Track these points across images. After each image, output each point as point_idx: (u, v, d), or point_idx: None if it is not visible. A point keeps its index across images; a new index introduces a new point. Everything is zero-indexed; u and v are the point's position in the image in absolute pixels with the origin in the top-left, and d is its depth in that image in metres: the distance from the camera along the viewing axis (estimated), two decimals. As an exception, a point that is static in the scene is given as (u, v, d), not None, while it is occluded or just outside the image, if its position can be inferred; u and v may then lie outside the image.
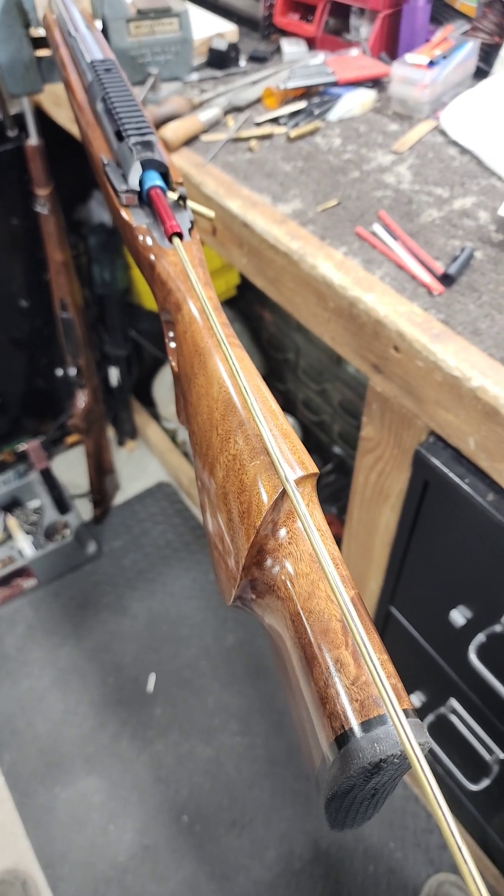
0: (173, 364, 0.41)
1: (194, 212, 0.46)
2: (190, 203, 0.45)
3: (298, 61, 0.91)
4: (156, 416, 1.75)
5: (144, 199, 0.44)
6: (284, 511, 0.28)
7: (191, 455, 1.77)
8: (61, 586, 1.51)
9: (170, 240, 0.41)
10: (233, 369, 0.33)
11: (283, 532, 0.28)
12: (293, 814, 1.19)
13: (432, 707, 0.89)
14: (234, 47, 0.90)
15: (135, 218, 0.43)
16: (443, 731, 0.88)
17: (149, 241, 0.42)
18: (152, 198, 0.43)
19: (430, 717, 0.89)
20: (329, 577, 0.24)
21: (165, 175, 0.45)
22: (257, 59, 0.93)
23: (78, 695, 1.34)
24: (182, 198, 0.44)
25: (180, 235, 0.41)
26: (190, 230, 0.43)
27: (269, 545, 0.28)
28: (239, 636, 1.41)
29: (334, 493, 1.40)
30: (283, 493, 0.28)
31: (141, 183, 0.44)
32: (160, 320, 0.44)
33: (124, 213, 0.43)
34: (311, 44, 0.94)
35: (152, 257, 0.41)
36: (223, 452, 0.31)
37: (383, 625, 0.89)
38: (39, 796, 1.23)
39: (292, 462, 0.28)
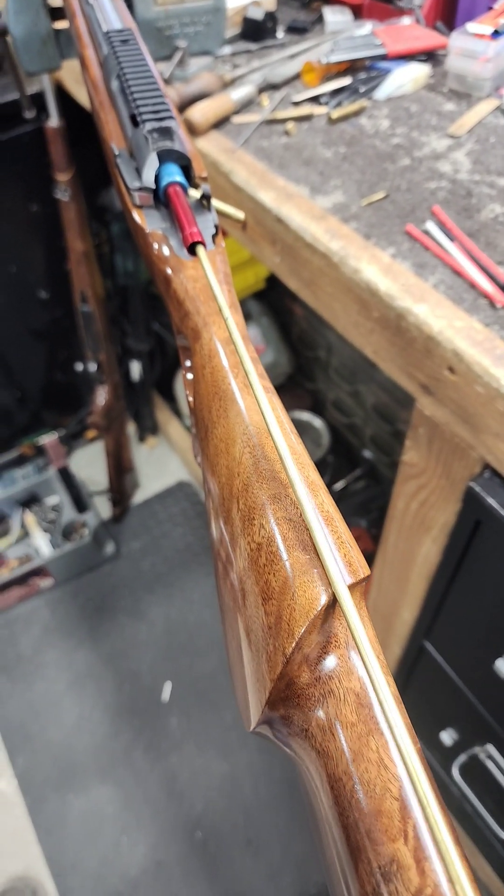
0: (190, 399, 0.34)
1: (220, 213, 0.38)
2: (215, 203, 0.37)
3: (342, 32, 0.82)
4: (177, 413, 1.69)
5: (161, 198, 0.37)
6: (326, 632, 0.21)
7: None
8: (78, 587, 1.46)
9: (190, 250, 0.34)
10: (266, 425, 0.26)
11: (324, 661, 0.21)
12: (310, 839, 1.14)
13: (465, 747, 0.82)
14: (271, 17, 0.81)
15: (149, 221, 0.36)
16: (476, 774, 0.81)
17: (165, 251, 0.34)
18: (170, 197, 0.35)
19: (463, 758, 0.82)
20: (394, 734, 0.17)
21: (187, 168, 0.37)
22: (296, 30, 0.84)
23: (93, 700, 1.30)
24: (206, 197, 0.36)
25: (203, 244, 0.34)
26: (214, 237, 0.36)
27: (302, 678, 0.20)
28: (260, 646, 1.35)
29: (363, 502, 1.32)
30: (328, 607, 0.21)
31: (158, 178, 0.36)
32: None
33: (136, 216, 0.36)
34: (357, 12, 0.85)
35: (168, 270, 0.34)
36: (245, 535, 0.24)
37: (415, 659, 0.82)
38: (52, 803, 1.19)
39: (339, 562, 0.21)
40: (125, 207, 0.39)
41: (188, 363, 0.36)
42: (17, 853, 1.15)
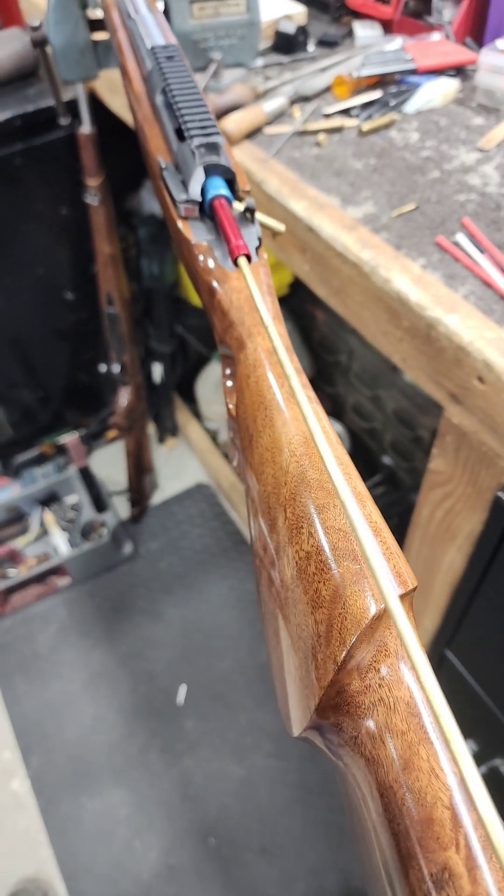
0: (230, 406, 0.35)
1: (262, 225, 0.39)
2: (258, 215, 0.38)
3: (372, 46, 0.83)
4: (197, 415, 1.70)
5: (206, 211, 0.38)
6: (376, 642, 0.22)
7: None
8: (96, 587, 1.48)
9: (235, 262, 0.35)
10: (311, 435, 0.26)
11: (374, 670, 0.21)
12: (325, 846, 1.14)
13: (485, 758, 0.82)
14: (302, 30, 0.83)
15: (195, 233, 0.37)
16: (496, 786, 0.81)
17: (210, 263, 0.35)
18: (216, 210, 0.36)
19: (483, 769, 0.82)
20: (450, 742, 0.18)
21: (231, 182, 0.38)
22: (327, 44, 0.85)
23: (108, 701, 1.31)
24: (249, 210, 0.37)
25: (248, 257, 0.35)
26: (257, 249, 0.37)
27: (352, 686, 0.21)
28: (275, 651, 1.36)
29: (383, 509, 1.30)
30: (378, 617, 0.21)
31: (203, 191, 0.37)
32: (207, 322, 0.37)
33: (182, 227, 0.37)
34: (388, 27, 0.86)
35: (214, 283, 0.35)
36: (292, 544, 0.24)
37: (436, 668, 0.82)
38: (65, 804, 1.20)
39: (389, 572, 0.22)
40: (170, 219, 0.40)
41: (228, 371, 0.37)
42: (29, 854, 1.16)
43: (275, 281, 1.51)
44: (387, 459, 1.43)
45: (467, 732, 0.84)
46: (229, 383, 0.36)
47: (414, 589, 0.22)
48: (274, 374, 0.31)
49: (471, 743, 0.84)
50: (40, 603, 1.45)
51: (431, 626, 0.79)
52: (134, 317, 1.37)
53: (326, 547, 0.23)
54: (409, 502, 1.42)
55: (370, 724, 0.20)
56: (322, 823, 1.16)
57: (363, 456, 1.51)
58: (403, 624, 0.20)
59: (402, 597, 0.21)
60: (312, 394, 0.29)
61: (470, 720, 0.82)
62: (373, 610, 0.21)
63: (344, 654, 0.21)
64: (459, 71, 0.78)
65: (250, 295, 0.35)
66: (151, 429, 1.72)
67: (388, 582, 0.21)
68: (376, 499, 1.39)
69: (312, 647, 0.22)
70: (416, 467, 1.34)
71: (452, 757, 0.19)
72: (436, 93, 0.74)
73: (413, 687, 0.21)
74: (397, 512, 1.32)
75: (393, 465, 1.42)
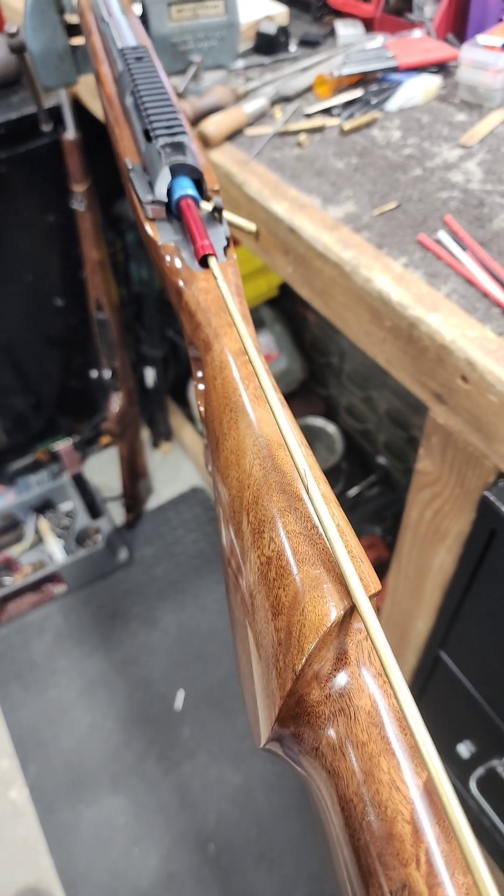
0: (201, 409, 0.35)
1: (232, 225, 0.39)
2: (227, 215, 0.38)
3: (354, 45, 0.82)
4: (191, 418, 1.69)
5: (174, 211, 0.37)
6: (337, 649, 0.21)
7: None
8: (91, 594, 1.47)
9: (202, 262, 0.34)
10: (282, 436, 0.26)
11: (335, 679, 0.21)
12: (325, 852, 1.13)
13: (483, 760, 0.81)
14: (283, 31, 0.82)
15: (161, 234, 0.36)
16: (494, 788, 0.80)
17: (177, 264, 0.35)
18: (182, 210, 0.36)
19: (480, 771, 0.81)
20: (427, 760, 0.17)
21: (199, 182, 0.38)
22: (309, 44, 0.85)
23: (105, 708, 1.30)
24: (217, 209, 0.37)
25: (214, 256, 0.34)
26: (226, 248, 0.36)
27: (312, 695, 0.20)
28: (272, 655, 1.35)
29: (378, 509, 1.32)
30: (338, 624, 0.21)
31: (170, 192, 0.37)
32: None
33: (149, 228, 0.37)
34: (369, 25, 0.86)
35: (180, 283, 0.34)
36: (254, 549, 0.24)
37: (430, 670, 0.81)
38: (63, 813, 1.19)
39: (354, 574, 0.21)
40: (138, 220, 0.39)
41: (199, 374, 0.36)
42: (29, 864, 1.15)
43: (264, 283, 1.50)
44: (381, 460, 1.42)
45: (464, 734, 0.83)
46: (201, 386, 0.36)
47: (377, 594, 0.22)
48: (241, 374, 0.30)
49: (467, 744, 0.84)
50: (36, 611, 1.45)
51: (425, 627, 0.78)
52: (124, 322, 1.37)
53: (288, 551, 0.22)
54: (404, 503, 1.41)
55: (331, 734, 0.20)
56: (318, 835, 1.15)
57: (358, 457, 1.50)
58: (374, 625, 0.19)
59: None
60: (281, 396, 0.29)
61: (466, 722, 0.81)
62: (332, 616, 0.20)
63: (302, 662, 0.20)
64: (441, 67, 0.77)
65: (218, 296, 0.34)
66: (145, 433, 1.71)
67: (357, 584, 0.20)
68: (371, 500, 1.38)
69: (274, 655, 0.21)
70: (411, 468, 1.33)
71: (419, 766, 0.19)
72: (417, 90, 0.73)
73: (376, 695, 0.20)
74: (392, 513, 1.31)
75: (388, 465, 1.41)
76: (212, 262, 0.33)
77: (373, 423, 1.41)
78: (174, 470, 1.70)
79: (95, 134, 1.08)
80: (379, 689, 0.20)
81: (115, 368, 1.33)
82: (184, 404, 1.70)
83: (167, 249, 0.36)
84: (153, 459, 1.71)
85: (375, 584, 0.21)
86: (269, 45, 0.82)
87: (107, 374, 1.33)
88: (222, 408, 0.29)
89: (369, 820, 0.18)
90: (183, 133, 0.37)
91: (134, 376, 1.44)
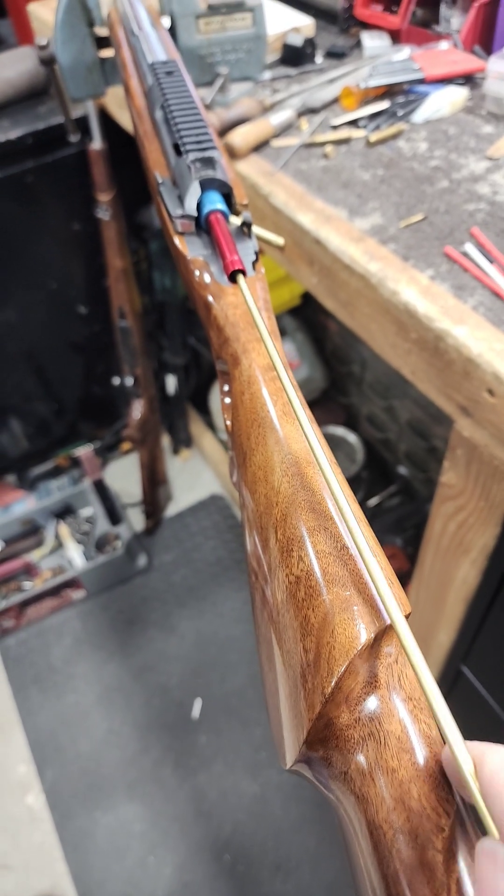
0: (228, 423, 0.35)
1: (260, 239, 0.39)
2: (256, 229, 0.38)
3: (380, 56, 0.82)
4: (211, 426, 1.70)
5: (203, 226, 0.37)
6: (367, 672, 0.21)
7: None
8: (110, 599, 1.48)
9: (230, 277, 0.35)
10: (313, 454, 0.26)
11: (364, 703, 0.20)
12: (341, 864, 1.12)
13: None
14: (310, 42, 0.83)
15: (190, 248, 0.37)
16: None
17: (206, 279, 0.35)
18: (211, 225, 0.36)
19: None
20: (472, 794, 0.16)
21: (228, 196, 0.38)
22: (335, 55, 0.85)
23: (122, 715, 1.31)
24: (246, 224, 0.37)
25: (243, 272, 0.34)
26: (254, 263, 0.36)
27: (341, 719, 0.20)
28: (290, 664, 1.34)
29: (398, 520, 1.30)
30: (368, 647, 0.20)
31: (200, 206, 0.37)
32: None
33: (178, 243, 0.37)
34: (396, 37, 0.86)
35: (210, 298, 0.34)
36: (283, 567, 0.24)
37: (451, 684, 0.80)
38: (79, 819, 1.19)
39: (388, 598, 0.21)
40: (167, 234, 0.39)
41: (226, 388, 0.36)
42: (44, 870, 1.15)
43: (287, 292, 1.50)
44: (402, 470, 1.41)
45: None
46: (227, 400, 0.36)
47: (408, 615, 0.21)
48: (269, 390, 0.30)
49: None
50: (55, 616, 1.46)
51: (446, 640, 0.77)
52: (147, 329, 1.38)
53: (317, 571, 0.22)
54: (425, 513, 1.40)
55: (360, 759, 0.20)
56: (337, 841, 1.13)
57: (378, 466, 1.49)
58: (414, 650, 0.19)
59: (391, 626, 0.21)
60: (310, 413, 0.29)
61: (486, 737, 0.80)
62: (363, 638, 0.20)
63: (332, 685, 0.20)
64: (468, 79, 0.77)
65: (246, 310, 0.34)
66: (166, 440, 1.72)
67: (394, 607, 0.20)
68: (392, 510, 1.37)
69: (301, 676, 0.21)
70: (432, 478, 1.32)
71: (450, 794, 0.18)
72: (444, 102, 0.73)
73: (406, 720, 0.20)
74: (413, 524, 1.30)
75: (408, 475, 1.40)
76: (240, 279, 0.34)
77: (394, 433, 1.40)
78: (193, 477, 1.70)
79: (121, 144, 1.09)
80: (409, 713, 0.20)
81: (137, 376, 1.34)
82: (204, 412, 1.70)
83: (196, 264, 0.36)
84: (173, 466, 1.71)
85: (406, 607, 0.21)
86: (295, 56, 0.82)
87: (129, 381, 1.34)
88: (250, 423, 0.29)
89: (399, 848, 0.18)
90: (213, 148, 0.38)
91: (155, 383, 1.45)
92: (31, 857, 1.17)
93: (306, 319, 1.52)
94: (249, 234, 0.37)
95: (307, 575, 0.22)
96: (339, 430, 1.50)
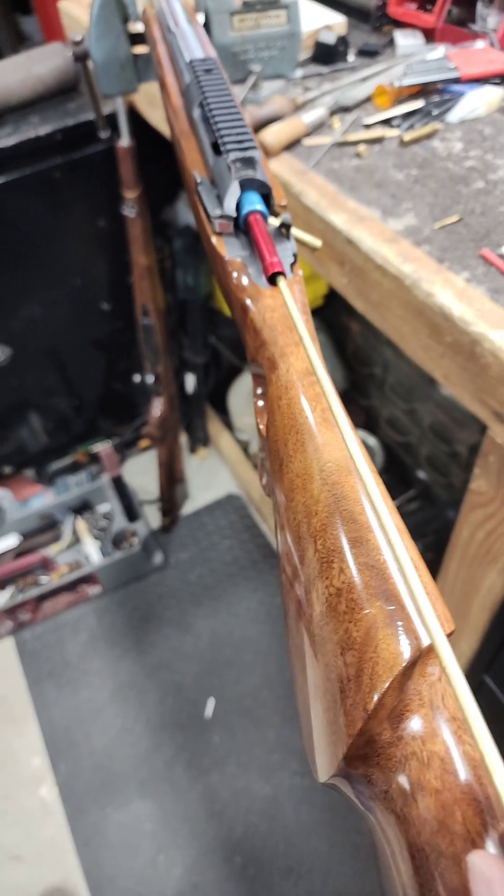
0: (261, 427, 0.34)
1: (298, 241, 0.38)
2: (294, 231, 0.37)
3: (414, 55, 0.81)
4: (229, 426, 1.69)
5: (241, 227, 0.37)
6: (410, 690, 0.20)
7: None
8: (126, 596, 1.48)
9: (269, 280, 0.34)
10: (353, 464, 0.25)
11: (407, 721, 0.20)
12: (352, 870, 1.11)
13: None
14: (342, 40, 0.82)
15: (229, 249, 0.36)
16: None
17: (244, 281, 0.34)
18: (251, 225, 0.35)
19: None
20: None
21: (267, 197, 0.37)
22: (368, 54, 0.84)
23: (136, 712, 1.31)
24: (285, 225, 0.36)
25: (283, 274, 0.34)
26: (292, 265, 0.36)
27: (383, 736, 0.20)
28: (305, 667, 1.34)
29: (417, 525, 1.29)
30: (412, 663, 0.20)
31: (238, 206, 0.36)
32: (240, 333, 0.36)
33: (216, 243, 0.36)
34: (430, 36, 0.84)
35: (247, 301, 0.34)
36: (322, 578, 0.23)
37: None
38: (91, 814, 1.20)
39: (428, 615, 0.20)
40: (204, 235, 0.39)
41: (259, 391, 0.36)
42: (55, 863, 1.16)
43: (309, 292, 1.50)
44: (422, 474, 1.40)
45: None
46: (260, 403, 0.35)
47: (452, 633, 0.21)
48: (307, 396, 0.29)
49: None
50: (71, 611, 1.46)
51: (468, 649, 0.76)
52: (168, 328, 1.38)
53: (359, 584, 0.22)
54: (445, 519, 1.38)
55: (402, 779, 0.19)
56: (349, 846, 1.13)
57: (398, 470, 1.48)
58: (453, 668, 0.18)
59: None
60: (349, 420, 0.28)
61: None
62: (407, 655, 0.20)
63: (374, 702, 0.19)
64: (505, 79, 0.75)
65: (284, 314, 0.34)
66: (183, 439, 1.72)
67: (434, 624, 0.19)
68: (411, 514, 1.36)
69: (341, 690, 0.21)
70: (453, 483, 1.31)
71: (497, 818, 0.18)
72: (480, 101, 0.72)
73: (450, 741, 0.19)
74: (433, 529, 1.29)
75: (428, 480, 1.39)
76: (281, 281, 0.33)
77: (415, 436, 1.38)
78: (210, 476, 1.70)
79: (148, 141, 1.09)
80: (453, 734, 0.19)
81: (158, 373, 1.34)
82: (222, 411, 1.70)
83: (234, 265, 0.35)
84: (190, 465, 1.71)
85: (450, 624, 0.21)
86: (327, 54, 0.81)
87: (150, 378, 1.34)
88: (288, 429, 0.29)
89: (442, 872, 0.17)
90: (254, 148, 0.37)
91: (175, 382, 1.45)
92: (42, 850, 1.17)
93: (327, 321, 1.51)
94: (288, 236, 0.36)
95: (348, 587, 0.22)
96: (359, 433, 1.48)
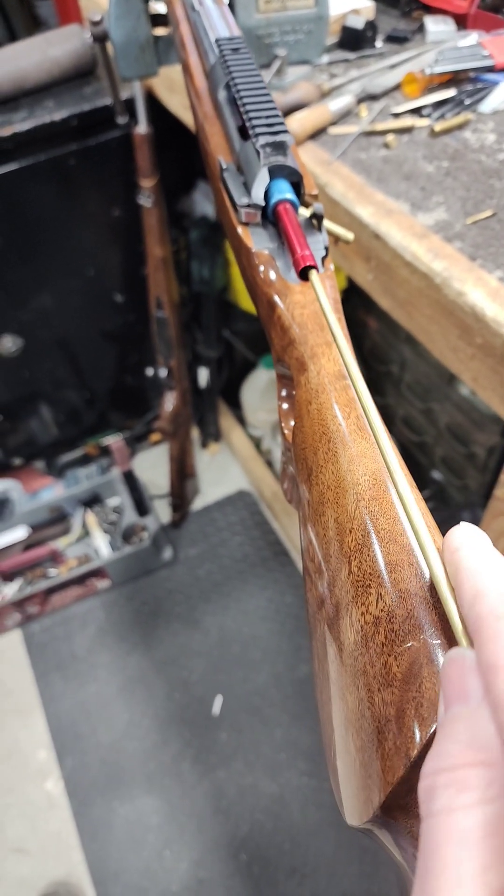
0: (286, 432, 0.32)
1: (330, 234, 0.36)
2: (326, 223, 0.35)
3: (445, 42, 0.78)
4: (241, 421, 1.67)
5: (269, 217, 0.35)
6: None
7: (275, 466, 1.69)
8: (135, 590, 1.47)
9: (300, 274, 0.32)
10: (392, 479, 0.23)
11: None
12: (358, 871, 1.10)
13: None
14: (370, 25, 0.79)
15: (256, 240, 0.34)
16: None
17: (271, 275, 0.32)
18: (280, 216, 0.33)
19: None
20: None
21: (297, 185, 0.35)
22: (396, 40, 0.81)
23: (143, 707, 1.30)
24: (317, 216, 0.34)
25: (315, 268, 0.31)
26: (324, 259, 0.34)
27: None
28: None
29: (433, 525, 1.26)
30: None
31: (267, 195, 0.34)
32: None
33: (242, 234, 0.34)
34: (462, 22, 0.81)
35: (275, 296, 0.32)
36: (357, 604, 0.21)
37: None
38: (97, 808, 1.19)
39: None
40: (229, 224, 0.37)
41: (285, 392, 0.33)
42: (61, 857, 1.15)
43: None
44: (436, 475, 1.37)
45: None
46: (285, 405, 0.33)
47: None
48: (339, 402, 0.27)
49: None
50: (79, 604, 1.45)
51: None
52: (182, 321, 1.36)
53: (400, 614, 0.20)
54: (460, 521, 1.36)
55: None
56: (356, 848, 1.12)
57: (412, 470, 1.45)
58: None
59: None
60: (387, 429, 0.26)
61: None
62: None
63: (418, 748, 0.17)
64: (540, 67, 0.72)
65: (315, 311, 0.31)
66: (195, 433, 1.70)
67: None
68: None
69: (378, 731, 0.19)
70: (468, 485, 1.28)
71: None
72: (514, 91, 0.68)
73: None
74: (446, 531, 1.26)
75: (443, 480, 1.36)
76: (313, 275, 0.31)
77: (430, 436, 1.36)
78: (222, 471, 1.68)
79: (165, 129, 1.06)
80: None
81: (171, 367, 1.32)
82: (235, 406, 1.68)
83: (261, 258, 0.33)
84: (201, 460, 1.70)
85: None
86: (354, 40, 0.79)
87: (163, 372, 1.32)
88: (318, 437, 0.27)
89: None
90: (285, 132, 0.35)
91: (188, 376, 1.43)
92: (47, 844, 1.17)
93: (344, 316, 1.49)
94: (319, 228, 0.34)
95: (388, 617, 0.20)
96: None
